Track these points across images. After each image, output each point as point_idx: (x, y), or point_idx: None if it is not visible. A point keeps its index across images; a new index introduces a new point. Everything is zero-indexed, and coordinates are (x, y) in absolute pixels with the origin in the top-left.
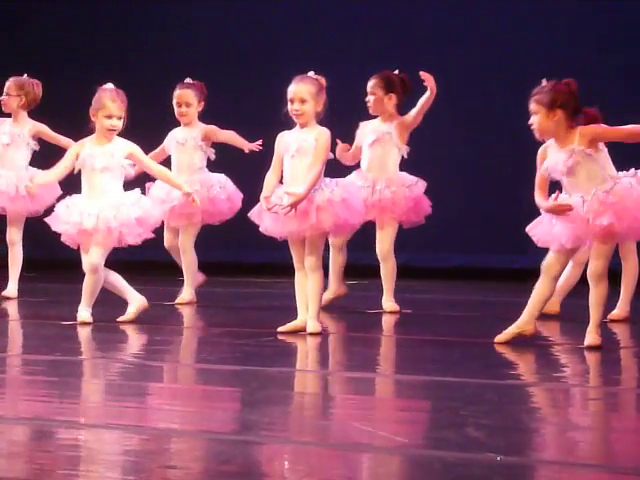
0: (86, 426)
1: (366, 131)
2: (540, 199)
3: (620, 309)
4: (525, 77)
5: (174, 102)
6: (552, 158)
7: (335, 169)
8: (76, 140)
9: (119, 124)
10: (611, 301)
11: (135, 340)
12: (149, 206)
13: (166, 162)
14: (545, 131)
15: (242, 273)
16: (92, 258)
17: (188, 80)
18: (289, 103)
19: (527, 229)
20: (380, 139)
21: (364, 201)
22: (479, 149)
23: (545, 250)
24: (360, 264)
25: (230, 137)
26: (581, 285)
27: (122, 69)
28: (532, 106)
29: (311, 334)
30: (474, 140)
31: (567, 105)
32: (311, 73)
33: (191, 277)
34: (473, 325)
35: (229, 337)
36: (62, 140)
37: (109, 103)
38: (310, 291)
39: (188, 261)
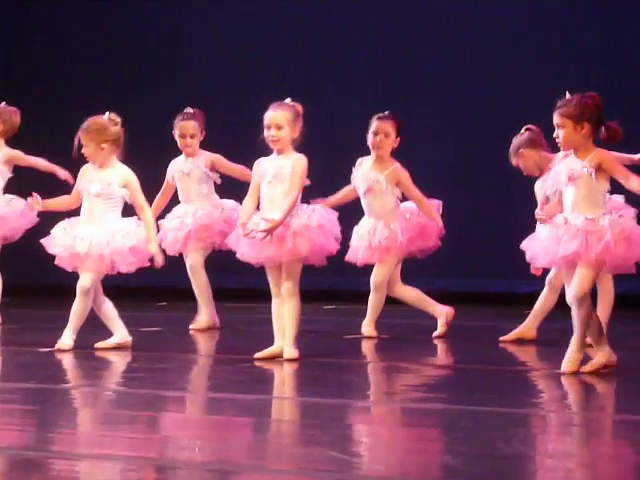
0: (62, 455)
1: (358, 175)
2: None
3: None
4: (511, 103)
5: (177, 133)
6: (564, 163)
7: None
8: (52, 160)
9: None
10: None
11: (113, 367)
12: (144, 236)
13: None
14: (571, 144)
15: (220, 298)
16: (83, 282)
17: (189, 110)
18: (265, 129)
19: (521, 246)
20: (372, 188)
21: (367, 247)
22: (463, 170)
23: (521, 276)
24: (337, 288)
25: (240, 172)
26: (558, 309)
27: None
28: (558, 119)
29: (288, 360)
30: (460, 162)
31: (593, 118)
32: (288, 100)
33: (205, 299)
34: (452, 350)
35: (206, 364)
36: (34, 161)
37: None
38: (287, 317)
39: (199, 282)
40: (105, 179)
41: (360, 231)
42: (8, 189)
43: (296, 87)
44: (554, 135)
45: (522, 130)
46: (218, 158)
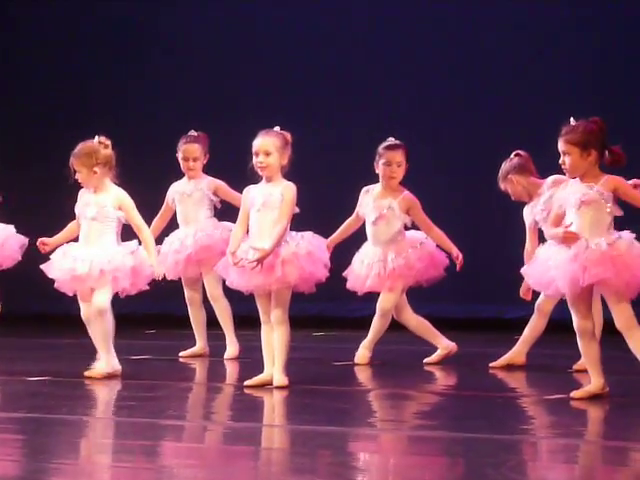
0: None
1: (365, 202)
2: (551, 228)
3: None
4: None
5: (180, 156)
6: (571, 188)
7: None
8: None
9: None
10: (575, 350)
11: (102, 396)
12: (144, 258)
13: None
14: (578, 171)
15: (211, 326)
16: (98, 301)
17: (193, 133)
18: (254, 156)
19: (522, 270)
20: (384, 215)
21: (377, 275)
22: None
23: (510, 302)
24: (326, 315)
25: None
26: (547, 334)
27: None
28: (564, 146)
29: (278, 387)
30: (447, 189)
31: (598, 144)
32: (277, 128)
33: (230, 325)
34: (442, 377)
35: (196, 391)
36: None
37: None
38: (277, 344)
39: (221, 309)
40: (100, 202)
41: (367, 259)
42: None
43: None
44: (560, 161)
45: (511, 155)
46: (221, 185)
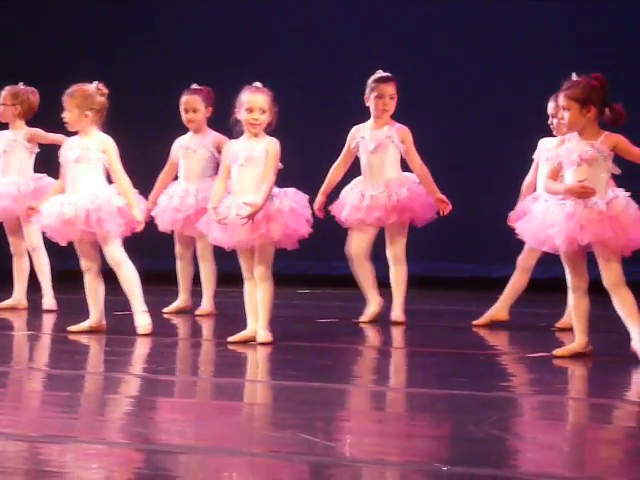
0: (32, 438)
1: (359, 136)
2: (553, 183)
3: (568, 317)
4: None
5: (181, 108)
6: (570, 145)
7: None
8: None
9: None
10: (558, 309)
11: (85, 350)
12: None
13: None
14: (575, 126)
15: (194, 282)
16: (112, 254)
17: (195, 86)
18: (246, 112)
19: (516, 226)
20: (382, 144)
21: (381, 206)
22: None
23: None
24: (311, 273)
25: None
26: (530, 293)
27: (114, 74)
28: (564, 101)
29: (262, 344)
30: (437, 146)
31: (599, 101)
32: (257, 84)
33: (211, 287)
34: (425, 334)
35: (179, 347)
36: (53, 137)
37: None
38: (261, 300)
39: (208, 270)
40: (84, 145)
41: (366, 191)
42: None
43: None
44: (559, 116)
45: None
46: (224, 140)
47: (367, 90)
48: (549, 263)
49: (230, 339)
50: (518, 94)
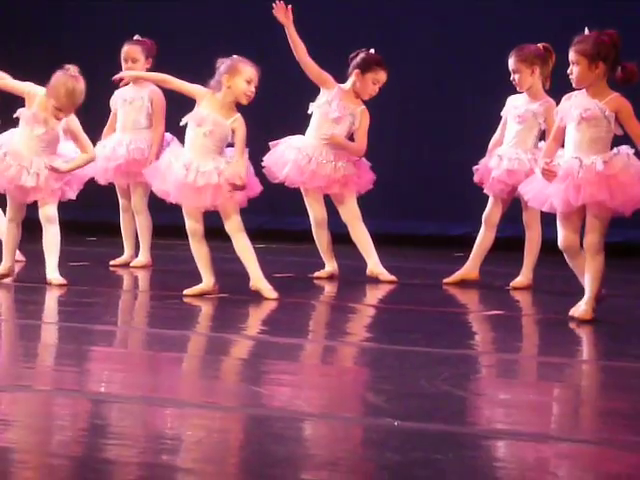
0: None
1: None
2: (543, 153)
3: (523, 276)
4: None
5: (122, 59)
6: (575, 100)
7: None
8: None
9: None
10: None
11: (41, 301)
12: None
13: None
14: (584, 82)
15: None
16: (47, 212)
17: (137, 37)
18: (245, 83)
19: (519, 187)
20: (345, 117)
21: (326, 176)
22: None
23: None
24: (267, 228)
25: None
26: (499, 252)
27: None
28: (573, 56)
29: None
30: (393, 105)
31: (609, 58)
32: (235, 56)
33: (147, 239)
34: (383, 291)
35: (135, 299)
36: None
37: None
38: (244, 252)
39: (142, 222)
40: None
41: (309, 152)
42: None
43: None
44: (568, 71)
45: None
46: (157, 93)
47: (360, 64)
48: (517, 220)
49: (186, 292)
50: (487, 53)
